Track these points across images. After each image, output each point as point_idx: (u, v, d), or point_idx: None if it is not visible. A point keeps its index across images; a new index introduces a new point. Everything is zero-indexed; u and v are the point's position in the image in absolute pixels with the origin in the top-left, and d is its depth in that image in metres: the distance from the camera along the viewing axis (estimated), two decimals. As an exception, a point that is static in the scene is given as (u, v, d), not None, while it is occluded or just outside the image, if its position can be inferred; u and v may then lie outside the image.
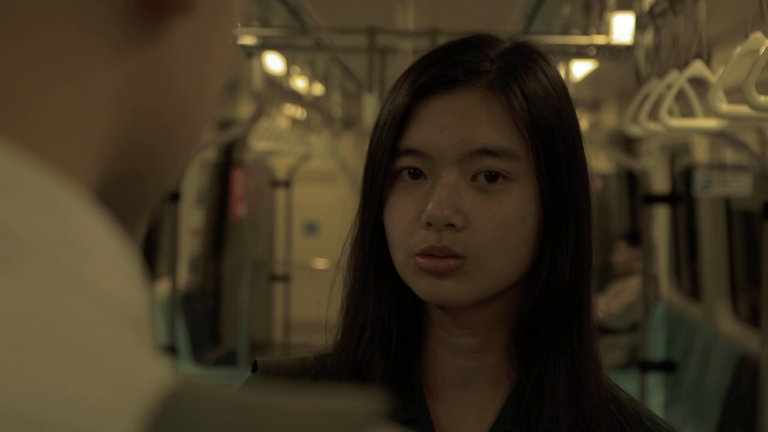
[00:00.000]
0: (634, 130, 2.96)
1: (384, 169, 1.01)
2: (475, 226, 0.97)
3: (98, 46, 0.36)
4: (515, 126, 0.98)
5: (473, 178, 0.99)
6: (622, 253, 6.42)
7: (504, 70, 1.00)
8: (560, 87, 1.03)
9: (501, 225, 0.98)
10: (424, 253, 0.98)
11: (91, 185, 0.36)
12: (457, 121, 0.99)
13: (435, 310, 1.03)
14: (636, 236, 6.18)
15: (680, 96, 2.63)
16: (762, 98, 1.91)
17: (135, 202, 0.40)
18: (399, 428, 0.29)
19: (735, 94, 2.13)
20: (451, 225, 0.97)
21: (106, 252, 0.34)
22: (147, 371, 0.32)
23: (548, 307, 1.01)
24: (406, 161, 1.00)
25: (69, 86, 0.35)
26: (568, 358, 1.01)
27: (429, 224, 0.97)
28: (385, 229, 1.01)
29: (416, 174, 1.00)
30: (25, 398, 0.29)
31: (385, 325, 1.02)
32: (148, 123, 0.38)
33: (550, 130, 0.99)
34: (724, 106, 2.13)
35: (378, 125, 1.03)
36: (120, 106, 0.36)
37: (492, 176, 0.98)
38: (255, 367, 1.10)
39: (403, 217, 0.99)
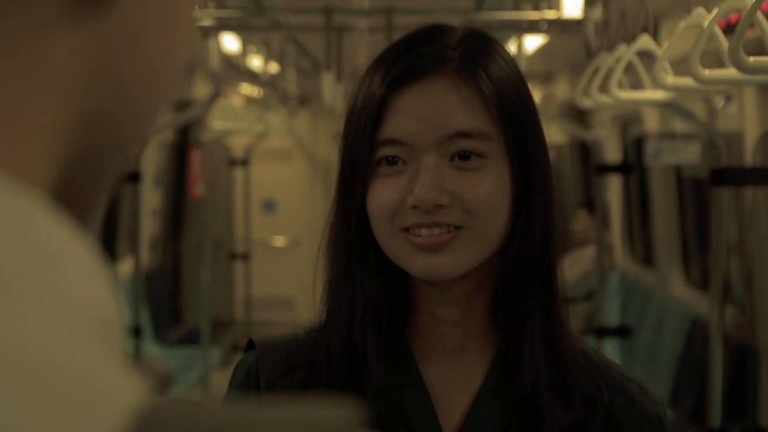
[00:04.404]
0: (586, 103, 3.05)
1: (365, 160, 1.05)
2: (463, 198, 1.03)
3: (45, 20, 0.34)
4: (485, 108, 1.05)
5: (450, 159, 1.05)
6: (582, 221, 6.50)
7: (466, 55, 1.07)
8: (515, 66, 1.11)
9: (486, 194, 1.04)
10: (411, 230, 1.04)
11: (48, 171, 0.35)
12: (431, 108, 1.05)
13: (421, 284, 1.09)
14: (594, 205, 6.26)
15: (629, 68, 2.71)
16: (706, 71, 2.00)
17: (99, 178, 0.39)
18: None
19: (682, 65, 2.21)
20: (439, 206, 1.03)
21: (73, 258, 0.32)
22: (122, 389, 0.31)
23: (522, 272, 1.07)
24: (386, 150, 1.05)
25: (15, 72, 0.33)
26: (543, 318, 1.08)
27: (415, 207, 1.03)
28: (369, 214, 1.06)
29: (394, 161, 1.05)
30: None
31: (376, 305, 1.08)
32: (111, 94, 0.37)
33: (515, 108, 1.06)
34: (670, 79, 2.22)
35: (353, 117, 1.08)
36: (75, 80, 0.35)
37: (467, 155, 1.04)
38: (250, 346, 1.14)
39: (386, 200, 1.05)
